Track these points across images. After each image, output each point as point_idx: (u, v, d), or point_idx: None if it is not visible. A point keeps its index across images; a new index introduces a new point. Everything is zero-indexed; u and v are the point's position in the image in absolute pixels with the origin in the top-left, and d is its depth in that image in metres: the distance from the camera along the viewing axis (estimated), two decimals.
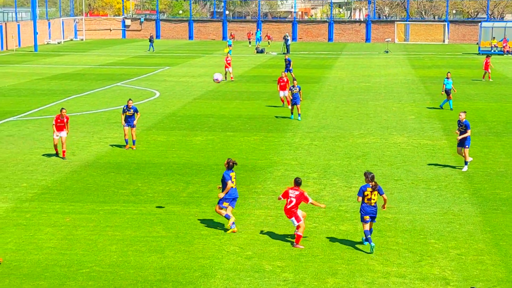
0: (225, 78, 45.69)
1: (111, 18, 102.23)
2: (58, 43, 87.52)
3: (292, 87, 32.19)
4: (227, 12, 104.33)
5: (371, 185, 15.47)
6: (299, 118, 31.98)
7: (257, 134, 28.83)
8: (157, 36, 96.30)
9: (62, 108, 24.72)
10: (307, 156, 24.97)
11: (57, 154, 24.56)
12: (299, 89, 31.98)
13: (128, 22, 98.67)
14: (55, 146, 24.49)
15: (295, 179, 16.19)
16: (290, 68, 45.20)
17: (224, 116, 33.31)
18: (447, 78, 34.83)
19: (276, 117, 32.66)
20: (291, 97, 32.12)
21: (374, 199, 15.48)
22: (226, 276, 14.19)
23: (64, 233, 16.60)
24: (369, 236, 15.49)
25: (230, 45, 71.47)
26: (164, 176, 22.07)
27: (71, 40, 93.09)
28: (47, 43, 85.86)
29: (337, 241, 16.18)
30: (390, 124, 31.27)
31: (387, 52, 72.47)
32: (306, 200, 15.93)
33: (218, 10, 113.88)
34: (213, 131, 29.65)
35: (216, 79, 23.42)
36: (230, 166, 16.92)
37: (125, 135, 25.91)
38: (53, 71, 54.34)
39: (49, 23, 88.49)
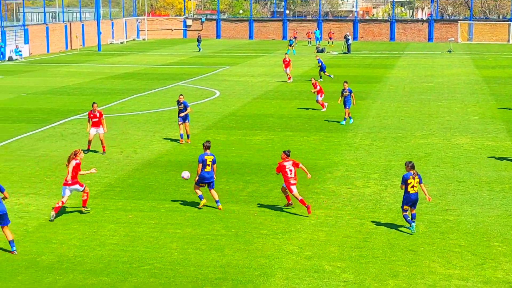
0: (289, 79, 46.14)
1: (173, 18, 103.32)
2: (121, 43, 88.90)
3: (343, 90, 30.59)
4: (287, 11, 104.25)
5: (412, 173, 16.28)
6: (351, 121, 30.94)
7: (317, 134, 28.73)
8: (218, 36, 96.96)
9: (94, 103, 25.45)
10: (368, 156, 24.76)
11: (88, 150, 25.08)
12: (350, 92, 30.58)
13: (189, 22, 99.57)
14: (89, 142, 25.13)
15: (285, 152, 18.29)
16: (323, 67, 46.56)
17: (283, 115, 33.31)
18: None
19: (327, 121, 32.46)
20: (343, 101, 30.67)
21: (416, 186, 16.31)
22: (286, 275, 14.18)
23: (126, 230, 16.85)
24: (411, 221, 16.53)
25: (291, 45, 71.42)
26: (223, 175, 22.18)
27: (134, 40, 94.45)
28: (110, 43, 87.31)
29: (398, 243, 15.99)
30: (453, 125, 30.77)
31: (450, 51, 71.32)
32: (298, 165, 18.19)
33: (279, 10, 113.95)
34: (272, 130, 29.67)
35: (183, 177, 24.24)
36: (205, 147, 18.61)
37: (179, 129, 26.85)
38: (116, 70, 55.22)
39: (112, 23, 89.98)
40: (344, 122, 30.80)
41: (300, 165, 18.32)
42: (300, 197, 18.03)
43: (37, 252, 15.29)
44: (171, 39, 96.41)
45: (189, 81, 46.96)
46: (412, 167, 16.37)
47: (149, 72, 53.68)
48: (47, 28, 74.87)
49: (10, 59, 64.92)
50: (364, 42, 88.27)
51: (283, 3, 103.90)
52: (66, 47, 78.42)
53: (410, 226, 16.58)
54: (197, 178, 18.36)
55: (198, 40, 76.68)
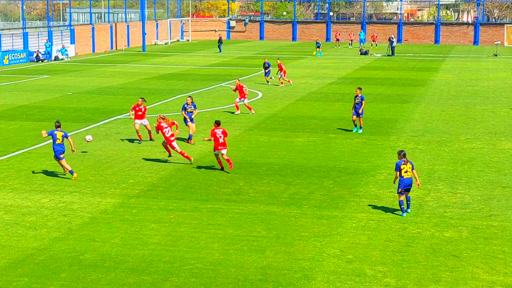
0: None
1: (216, 19, 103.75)
2: (165, 43, 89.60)
3: (355, 97, 29.25)
4: (331, 13, 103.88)
5: (404, 160, 17.97)
6: (360, 131, 29.53)
7: (359, 137, 28.54)
8: (261, 37, 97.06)
9: (141, 98, 27.43)
10: (411, 160, 24.47)
11: (140, 139, 27.24)
12: (362, 99, 28.91)
13: (232, 23, 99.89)
14: (137, 131, 27.20)
15: (216, 121, 23.04)
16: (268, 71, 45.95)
17: (326, 117, 33.18)
18: None
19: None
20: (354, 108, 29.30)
21: (409, 171, 17.90)
22: (327, 279, 14.11)
23: (168, 230, 16.95)
24: (403, 207, 18.10)
25: (318, 47, 71.05)
26: (265, 177, 22.18)
27: (178, 40, 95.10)
28: (155, 44, 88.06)
29: (441, 248, 15.79)
30: (498, 129, 30.30)
31: (496, 55, 70.27)
32: (226, 134, 22.78)
33: (322, 12, 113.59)
34: (315, 132, 29.58)
35: (87, 140, 25.13)
36: None
37: (190, 130, 27.50)
38: (160, 71, 55.66)
39: (157, 24, 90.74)
40: (356, 130, 29.49)
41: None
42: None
43: (80, 250, 15.48)
44: (214, 40, 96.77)
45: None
46: (404, 156, 18.11)
47: (192, 73, 53.99)
48: (93, 28, 75.82)
49: (57, 58, 65.90)
50: (408, 45, 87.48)
51: (327, 5, 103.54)
52: (112, 47, 79.31)
53: (403, 213, 18.17)
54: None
55: (220, 42, 76.94)
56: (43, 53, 65.29)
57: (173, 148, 23.51)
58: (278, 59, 48.30)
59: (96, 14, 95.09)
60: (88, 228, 17.02)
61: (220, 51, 74.79)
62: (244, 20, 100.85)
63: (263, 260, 15.04)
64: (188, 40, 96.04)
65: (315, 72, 54.07)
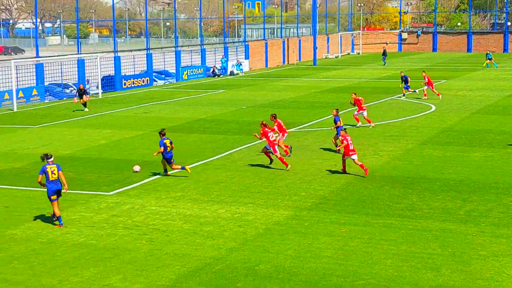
0: None
1: (388, 31, 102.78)
2: (336, 57, 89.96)
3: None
4: (509, 23, 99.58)
5: None
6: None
7: None
8: (434, 49, 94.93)
9: (273, 114, 27.90)
10: None
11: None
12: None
13: (404, 35, 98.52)
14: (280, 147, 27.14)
15: (343, 128, 24.38)
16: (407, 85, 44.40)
17: (504, 131, 31.84)
18: None
19: None
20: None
21: None
22: None
23: (340, 244, 16.95)
24: None
25: (489, 59, 68.38)
26: (440, 192, 21.62)
27: (348, 54, 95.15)
28: (325, 57, 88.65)
29: None
30: None
31: None
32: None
33: (499, 22, 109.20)
34: (492, 147, 28.46)
35: (135, 170, 25.21)
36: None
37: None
38: (330, 84, 55.93)
39: (327, 38, 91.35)
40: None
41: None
42: None
43: (255, 261, 15.84)
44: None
45: (400, 95, 46.34)
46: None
47: (363, 86, 53.77)
48: (266, 44, 77.64)
49: (232, 73, 68.09)
50: None
51: (504, 14, 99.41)
52: (283, 62, 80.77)
53: None
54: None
55: (384, 54, 75.81)
56: (219, 68, 67.70)
57: (274, 152, 24.90)
58: (423, 71, 47.15)
59: (269, 30, 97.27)
60: (262, 239, 17.39)
61: (384, 64, 74.04)
62: (417, 31, 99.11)
63: (438, 278, 14.64)
64: (358, 53, 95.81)
65: (491, 84, 52.05)
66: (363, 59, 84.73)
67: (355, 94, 34.46)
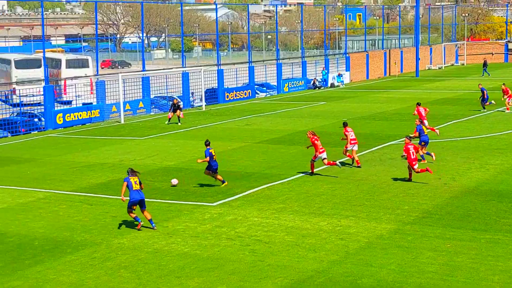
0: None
1: (493, 42, 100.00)
2: (439, 68, 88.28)
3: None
4: None
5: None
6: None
7: None
8: None
9: (345, 123, 28.71)
10: None
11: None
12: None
13: (511, 45, 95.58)
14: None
15: (407, 136, 25.05)
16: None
17: None
18: None
19: None
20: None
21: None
22: None
23: (445, 259, 16.61)
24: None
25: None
26: None
27: (452, 65, 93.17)
28: (428, 68, 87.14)
29: None
30: None
31: None
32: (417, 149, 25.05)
33: None
34: None
35: (173, 184, 25.29)
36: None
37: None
38: (433, 96, 54.93)
39: (430, 49, 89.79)
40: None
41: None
42: None
43: (358, 274, 15.74)
44: (491, 63, 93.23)
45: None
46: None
47: (467, 98, 52.54)
48: (367, 55, 77.10)
49: (332, 85, 67.96)
50: None
51: None
52: (385, 74, 79.96)
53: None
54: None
55: (484, 65, 73.80)
56: (320, 80, 67.72)
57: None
58: (503, 84, 45.53)
59: (370, 41, 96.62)
60: (365, 253, 17.27)
61: (482, 75, 72.18)
62: None
63: None
64: (463, 64, 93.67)
65: None
66: (467, 70, 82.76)
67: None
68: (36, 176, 28.10)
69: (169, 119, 43.14)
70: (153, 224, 19.82)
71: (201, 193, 24.22)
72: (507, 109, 43.29)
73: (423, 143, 28.06)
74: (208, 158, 24.33)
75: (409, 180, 24.93)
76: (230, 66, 64.64)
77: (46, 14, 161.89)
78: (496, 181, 24.75)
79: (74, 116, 44.83)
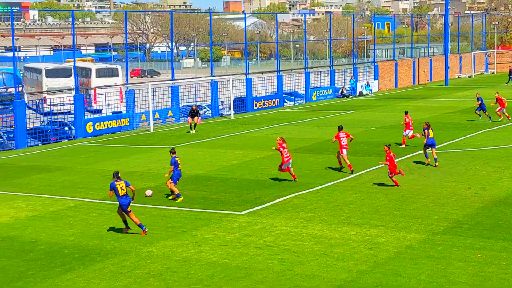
0: None
1: None
2: (469, 76, 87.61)
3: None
4: None
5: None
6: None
7: None
8: None
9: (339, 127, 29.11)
10: None
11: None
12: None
13: None
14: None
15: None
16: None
17: None
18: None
19: None
20: None
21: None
22: None
23: (475, 269, 16.47)
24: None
25: None
26: None
27: (482, 73, 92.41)
28: (458, 77, 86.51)
29: None
30: None
31: None
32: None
33: None
34: None
35: (147, 195, 24.61)
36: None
37: None
38: (463, 104, 54.53)
39: (460, 57, 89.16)
40: None
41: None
42: None
43: (387, 285, 15.59)
44: None
45: None
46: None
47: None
48: (396, 64, 76.78)
49: (361, 94, 67.76)
50: None
51: None
52: (414, 82, 79.53)
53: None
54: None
55: (510, 73, 73.20)
56: (348, 89, 67.57)
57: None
58: (496, 92, 45.01)
59: (399, 50, 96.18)
60: (394, 263, 17.17)
61: (507, 83, 71.67)
62: None
63: None
64: (493, 73, 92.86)
65: None
66: (497, 79, 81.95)
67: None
68: (66, 185, 28.38)
69: (190, 125, 43.25)
70: (144, 228, 20.24)
71: (230, 202, 24.28)
72: (500, 116, 43.04)
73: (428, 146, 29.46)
74: (172, 167, 24.35)
75: (397, 185, 25.69)
76: (258, 75, 64.76)
77: (76, 23, 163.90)
78: None
79: (104, 125, 45.23)
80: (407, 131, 34.53)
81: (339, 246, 18.70)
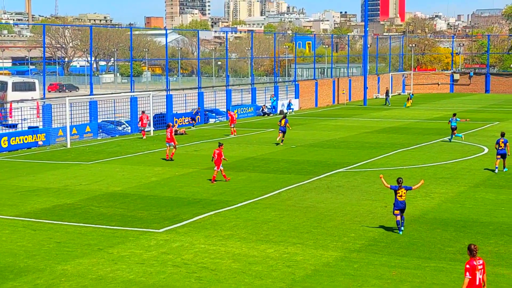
0: None
1: (439, 72, 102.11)
2: (376, 97, 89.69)
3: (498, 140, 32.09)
4: None
5: (398, 186, 21.63)
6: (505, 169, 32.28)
7: None
8: (486, 91, 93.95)
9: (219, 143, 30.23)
10: None
11: None
12: (506, 143, 31.84)
13: (456, 76, 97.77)
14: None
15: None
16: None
17: None
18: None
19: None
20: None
21: (403, 196, 21.63)
22: None
23: (390, 287, 16.70)
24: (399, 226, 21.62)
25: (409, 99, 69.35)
26: (492, 236, 21.22)
27: (399, 94, 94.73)
28: (376, 97, 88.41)
29: None
30: None
31: None
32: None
33: None
34: None
35: None
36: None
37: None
38: (381, 124, 55.69)
39: (378, 78, 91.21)
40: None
41: None
42: None
43: None
44: (437, 93, 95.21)
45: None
46: (400, 183, 21.71)
47: (413, 127, 53.40)
48: (316, 83, 77.87)
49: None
50: None
51: None
52: (333, 101, 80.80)
53: (399, 230, 21.63)
54: None
55: (387, 94, 78.04)
56: (269, 107, 68.03)
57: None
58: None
59: (319, 69, 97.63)
60: (311, 280, 17.26)
61: (385, 104, 75.12)
62: (469, 73, 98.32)
63: None
64: (409, 94, 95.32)
65: None
66: (414, 100, 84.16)
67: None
68: None
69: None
70: None
71: (148, 220, 23.96)
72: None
73: None
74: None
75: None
76: (179, 91, 64.49)
77: None
78: (440, 209, 25.11)
79: (20, 140, 44.06)
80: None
81: (257, 264, 18.68)
